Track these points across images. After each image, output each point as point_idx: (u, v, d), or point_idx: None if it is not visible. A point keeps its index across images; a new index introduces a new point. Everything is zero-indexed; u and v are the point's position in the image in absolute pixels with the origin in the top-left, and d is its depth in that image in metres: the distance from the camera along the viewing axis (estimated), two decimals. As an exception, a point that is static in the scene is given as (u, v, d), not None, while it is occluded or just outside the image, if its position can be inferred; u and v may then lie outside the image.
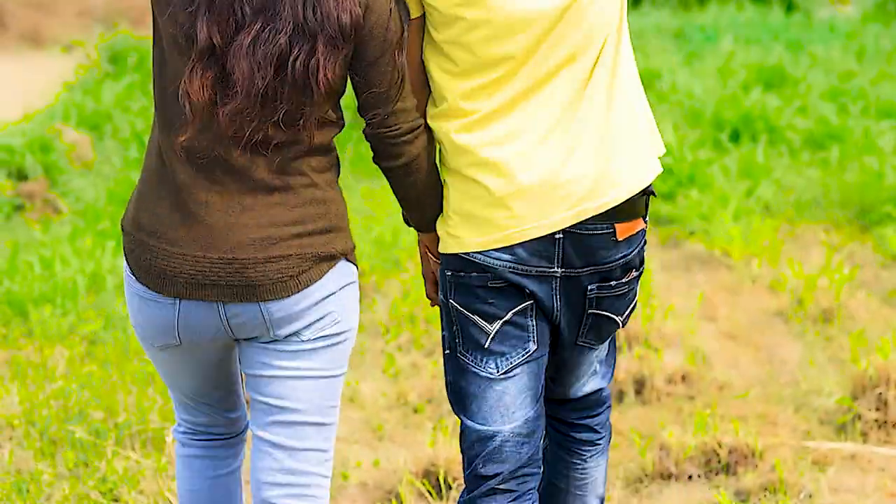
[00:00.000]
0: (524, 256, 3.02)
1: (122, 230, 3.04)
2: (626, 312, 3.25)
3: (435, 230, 3.16)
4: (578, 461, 3.45)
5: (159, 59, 2.95)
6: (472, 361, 3.13)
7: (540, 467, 3.24)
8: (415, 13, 2.99)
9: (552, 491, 3.50)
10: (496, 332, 3.08)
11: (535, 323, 3.11)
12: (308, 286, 2.94)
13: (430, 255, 3.24)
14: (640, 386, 5.47)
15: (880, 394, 5.11)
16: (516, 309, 3.08)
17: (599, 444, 3.46)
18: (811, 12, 15.76)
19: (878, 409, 5.10)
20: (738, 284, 6.94)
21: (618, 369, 5.55)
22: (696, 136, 9.45)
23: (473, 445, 3.16)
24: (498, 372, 3.11)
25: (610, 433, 3.52)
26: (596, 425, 3.43)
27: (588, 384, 3.36)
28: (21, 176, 8.33)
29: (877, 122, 9.93)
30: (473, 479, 3.18)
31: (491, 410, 3.13)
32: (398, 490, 4.59)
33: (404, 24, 2.93)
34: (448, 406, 4.96)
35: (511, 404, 3.12)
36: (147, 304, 2.99)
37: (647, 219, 3.18)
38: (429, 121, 3.08)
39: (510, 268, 3.03)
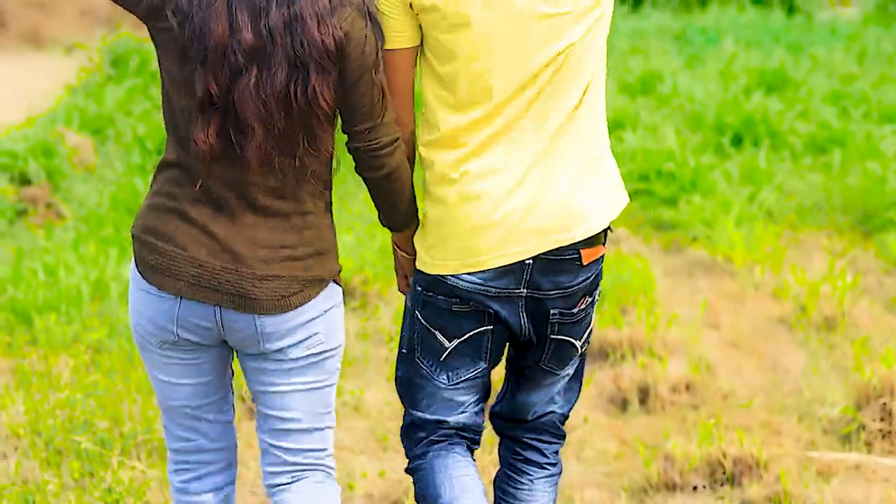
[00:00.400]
0: (493, 278, 3.23)
1: (133, 237, 3.24)
2: (585, 337, 3.46)
3: (406, 229, 3.40)
4: (525, 481, 3.63)
5: (166, 96, 3.18)
6: (426, 368, 3.40)
7: (477, 441, 3.56)
8: (410, 43, 3.21)
9: None
10: (453, 349, 3.35)
11: (490, 345, 3.37)
12: (300, 306, 3.19)
13: (399, 251, 3.46)
14: (644, 395, 5.49)
15: (884, 404, 5.12)
16: (474, 332, 3.33)
17: (547, 469, 3.64)
18: (812, 14, 15.78)
19: (882, 420, 5.12)
20: (741, 291, 6.95)
21: (622, 377, 5.58)
22: (698, 140, 9.47)
23: (425, 426, 3.49)
24: (448, 383, 3.40)
25: (560, 468, 3.69)
26: (545, 450, 3.63)
27: (544, 408, 3.56)
28: (24, 180, 8.33)
29: (879, 127, 9.95)
30: (415, 445, 3.53)
31: (440, 408, 3.45)
32: (404, 501, 4.61)
33: (379, 46, 3.13)
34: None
35: (459, 405, 3.45)
36: (151, 299, 3.20)
37: (606, 244, 3.38)
38: (420, 147, 3.30)
39: (478, 290, 3.26)
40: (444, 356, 3.36)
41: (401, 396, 3.55)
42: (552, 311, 3.30)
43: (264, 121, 3.03)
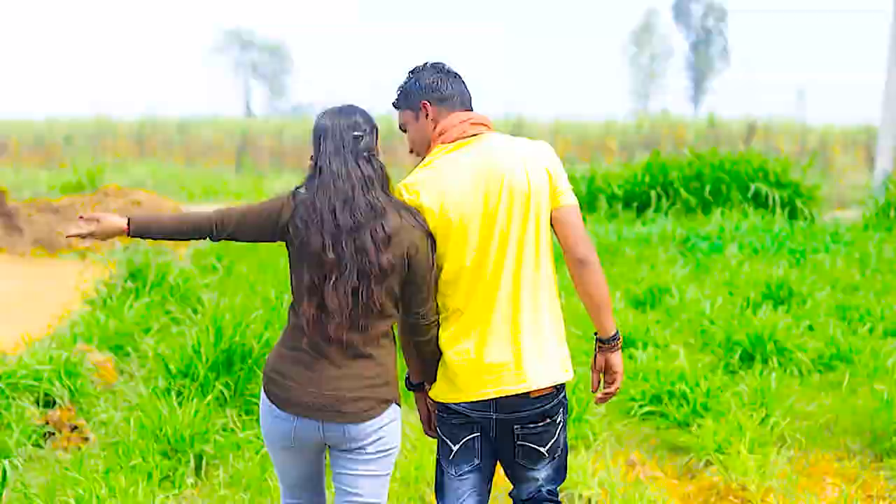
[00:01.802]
0: (471, 406, 4.80)
1: (264, 374, 4.76)
2: (549, 446, 4.88)
3: (433, 380, 4.90)
4: None
5: (291, 277, 4.70)
6: (445, 466, 4.93)
7: None
8: None
9: None
10: (457, 450, 4.87)
11: (480, 447, 4.88)
12: (373, 419, 4.69)
13: (427, 403, 5.03)
14: None
15: None
16: (468, 437, 4.86)
17: None
18: (814, 218, 16.07)
19: None
20: (757, 523, 7.04)
21: None
22: (709, 358, 9.63)
23: None
24: (456, 474, 4.90)
25: None
26: None
27: (537, 492, 4.94)
28: (48, 402, 8.47)
29: (884, 341, 10.13)
30: None
31: (450, 498, 4.91)
32: None
33: (433, 258, 4.69)
34: None
35: (462, 495, 4.90)
36: (276, 419, 4.73)
37: (560, 389, 4.84)
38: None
39: (465, 411, 4.79)
40: (452, 456, 4.88)
41: (435, 490, 5.00)
42: (515, 426, 4.79)
43: (341, 309, 4.56)
